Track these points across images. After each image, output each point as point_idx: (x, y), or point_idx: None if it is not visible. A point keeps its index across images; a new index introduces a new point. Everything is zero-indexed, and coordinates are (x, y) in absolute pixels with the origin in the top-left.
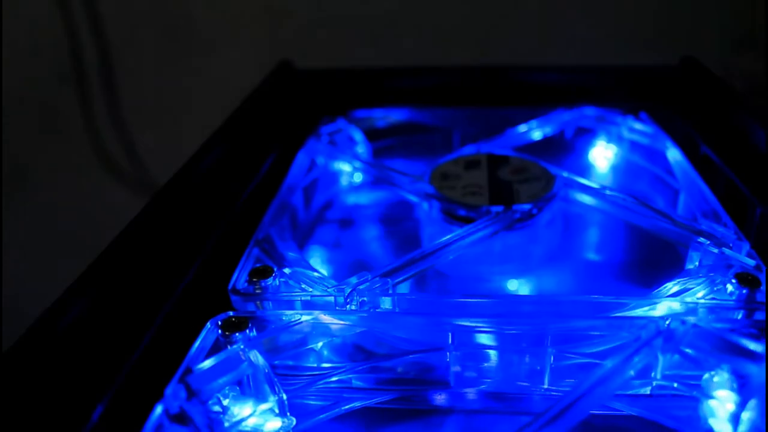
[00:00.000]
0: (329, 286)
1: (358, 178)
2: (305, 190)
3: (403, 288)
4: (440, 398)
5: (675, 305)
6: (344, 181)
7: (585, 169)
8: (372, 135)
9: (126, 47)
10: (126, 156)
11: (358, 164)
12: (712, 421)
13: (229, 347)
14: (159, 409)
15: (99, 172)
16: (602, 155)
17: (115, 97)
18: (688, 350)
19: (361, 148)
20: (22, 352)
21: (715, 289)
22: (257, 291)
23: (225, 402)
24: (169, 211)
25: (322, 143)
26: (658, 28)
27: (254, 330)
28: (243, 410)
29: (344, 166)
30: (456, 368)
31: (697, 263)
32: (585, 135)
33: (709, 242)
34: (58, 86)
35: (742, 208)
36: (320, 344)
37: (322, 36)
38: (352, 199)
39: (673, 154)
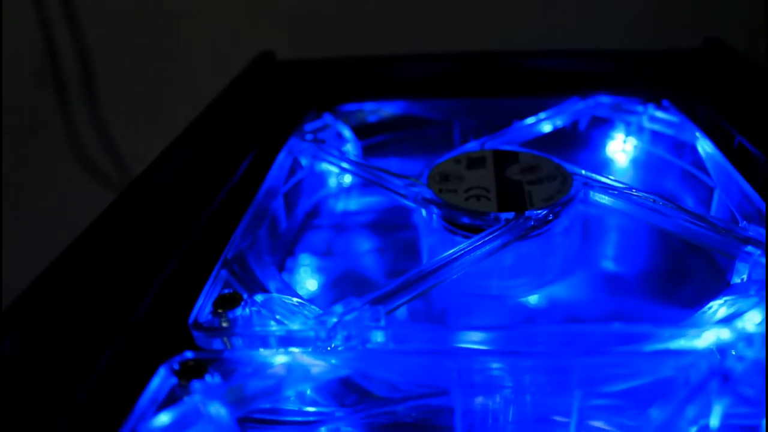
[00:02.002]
0: (310, 316)
1: (347, 180)
2: (287, 195)
3: (402, 312)
4: None
5: (723, 333)
6: (332, 184)
7: (602, 165)
8: (362, 131)
9: (104, 44)
10: (107, 157)
11: (346, 165)
12: None
13: (185, 399)
14: None
15: (80, 174)
16: (621, 149)
17: (95, 97)
18: (748, 390)
19: (351, 147)
20: None
21: None
22: (224, 324)
23: None
24: (124, 224)
25: (306, 141)
26: (676, 11)
27: (217, 375)
28: None
29: (331, 168)
30: (465, 411)
31: (744, 277)
32: (601, 126)
33: (759, 251)
34: (35, 87)
35: None
36: (298, 389)
37: (309, 26)
38: (340, 205)
39: (704, 146)
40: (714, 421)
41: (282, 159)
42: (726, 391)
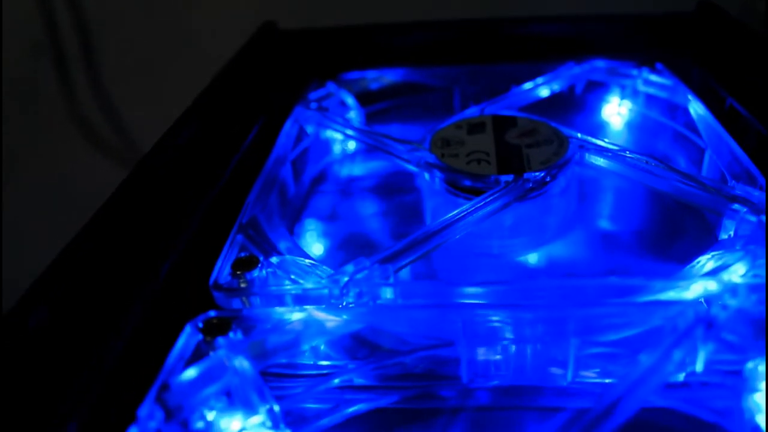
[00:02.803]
0: (323, 275)
1: (351, 146)
2: (294, 162)
3: (406, 272)
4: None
5: (711, 285)
6: (336, 150)
7: (598, 128)
8: (365, 98)
9: (103, 13)
10: (108, 125)
11: (350, 132)
12: (759, 418)
13: (211, 354)
14: None
15: (81, 142)
16: (616, 111)
17: (94, 65)
18: (729, 337)
19: (354, 114)
20: None
21: (757, 263)
22: (242, 285)
23: (210, 417)
24: (142, 194)
25: (311, 110)
26: None
27: (239, 332)
28: (231, 425)
29: (336, 135)
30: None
31: (732, 233)
32: (596, 90)
33: (745, 209)
34: (35, 58)
35: None
36: (314, 343)
37: None
38: (345, 170)
39: (696, 108)
40: (699, 365)
41: (288, 127)
42: (710, 338)
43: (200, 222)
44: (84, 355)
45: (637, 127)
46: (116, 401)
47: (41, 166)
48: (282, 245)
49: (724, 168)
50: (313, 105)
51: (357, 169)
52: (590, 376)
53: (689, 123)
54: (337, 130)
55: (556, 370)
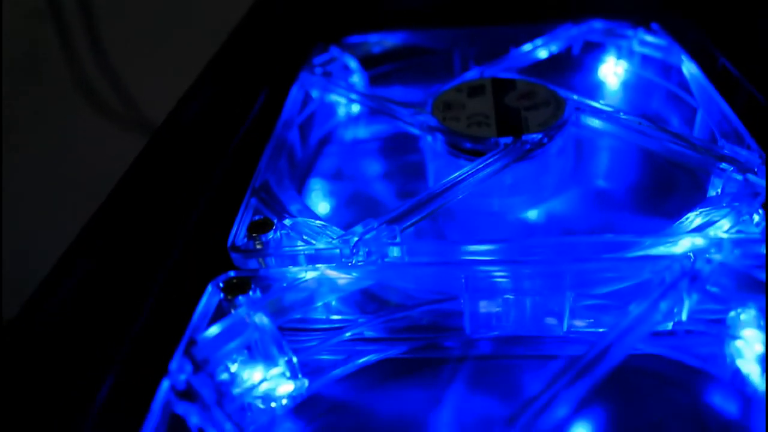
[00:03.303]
0: (333, 236)
1: (355, 109)
2: (301, 126)
3: (412, 232)
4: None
5: (698, 240)
6: (341, 114)
7: (595, 88)
8: (367, 62)
9: None
10: (109, 88)
11: (354, 96)
12: (739, 362)
13: (232, 311)
14: (165, 386)
15: (82, 105)
16: (612, 72)
17: (95, 29)
18: (714, 289)
19: (357, 78)
20: (23, 325)
21: (741, 220)
22: (258, 247)
23: (233, 369)
24: (160, 163)
25: (316, 75)
26: None
27: (258, 291)
28: (253, 376)
29: (340, 99)
30: (472, 313)
31: (719, 191)
32: (594, 51)
33: (732, 168)
34: (35, 26)
35: (765, 126)
36: (327, 300)
37: None
38: (350, 133)
39: (689, 68)
40: (684, 315)
41: (295, 93)
42: (695, 290)
43: (216, 187)
44: (117, 316)
45: (633, 86)
46: (149, 357)
47: (43, 131)
48: (293, 207)
49: (714, 127)
50: (318, 70)
51: (361, 131)
52: (584, 326)
53: (683, 83)
54: (341, 95)
55: (552, 321)
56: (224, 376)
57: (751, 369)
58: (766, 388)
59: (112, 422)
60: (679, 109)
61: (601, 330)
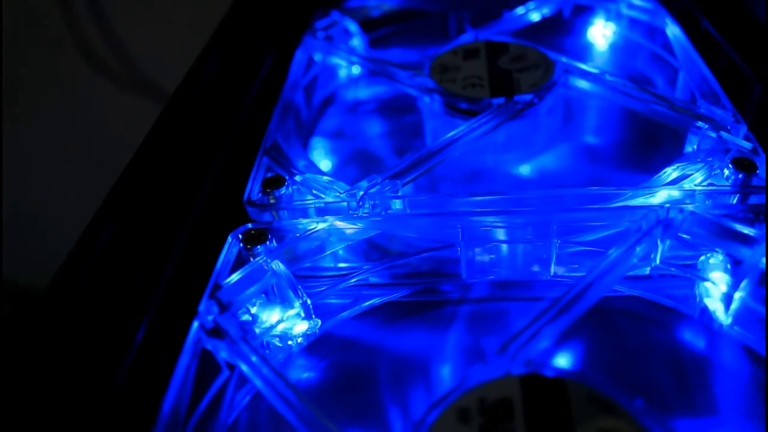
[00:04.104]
0: (340, 190)
1: (356, 71)
2: (306, 88)
3: (412, 186)
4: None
5: (674, 192)
6: (342, 75)
7: (584, 50)
8: (367, 25)
9: None
10: (107, 47)
11: (355, 58)
12: (707, 301)
13: (252, 260)
14: (195, 326)
15: (80, 64)
16: (601, 34)
17: None
18: (685, 236)
19: (357, 41)
20: (64, 279)
21: (713, 173)
22: (271, 201)
23: (253, 311)
24: (178, 127)
25: (318, 39)
26: None
27: (274, 241)
28: (271, 317)
29: (341, 61)
30: (468, 260)
31: (695, 147)
32: (583, 13)
33: (707, 126)
34: None
35: (742, 87)
36: (336, 248)
37: None
38: (351, 94)
39: (673, 31)
40: (658, 259)
41: (299, 56)
42: (667, 236)
43: (229, 149)
44: (149, 267)
45: (620, 48)
46: (179, 303)
47: (43, 91)
48: (301, 164)
49: (694, 88)
50: (320, 34)
51: (362, 92)
52: (569, 271)
53: (667, 45)
54: (342, 58)
55: (540, 266)
56: (246, 317)
57: (716, 306)
58: (766, 387)
59: (150, 359)
60: (663, 70)
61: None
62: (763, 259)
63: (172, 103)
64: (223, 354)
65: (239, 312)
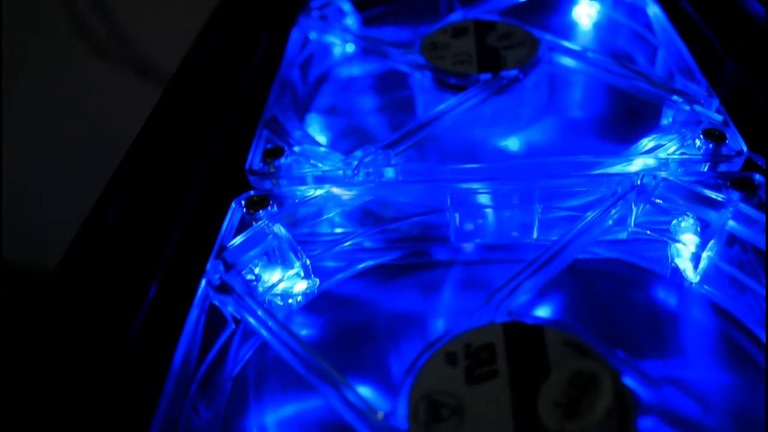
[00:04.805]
0: (336, 160)
1: (349, 49)
2: (301, 66)
3: (404, 156)
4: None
5: (649, 161)
6: (337, 53)
7: (569, 29)
8: (360, 5)
9: None
10: (103, 28)
11: (349, 37)
12: (677, 261)
13: (254, 224)
14: (203, 283)
15: (74, 42)
16: (585, 13)
17: None
18: (658, 201)
19: (351, 20)
20: (81, 244)
21: (686, 144)
22: (271, 170)
23: (256, 271)
24: (181, 103)
25: (313, 18)
26: None
27: (275, 206)
28: (272, 277)
29: (336, 40)
30: (456, 225)
31: (670, 120)
32: None
33: (682, 100)
34: None
35: (716, 64)
36: (333, 213)
37: None
38: (345, 71)
39: (653, 10)
40: (631, 223)
41: (295, 35)
42: (641, 201)
43: (231, 122)
44: (158, 231)
45: (603, 27)
46: (187, 263)
47: (38, 68)
48: (298, 136)
49: (672, 64)
50: (315, 13)
51: (355, 70)
52: (551, 234)
53: (648, 24)
54: (336, 36)
55: (524, 230)
56: (249, 277)
57: (686, 266)
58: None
59: (161, 316)
60: (644, 48)
61: None
62: (729, 222)
63: (174, 81)
64: (229, 308)
65: (243, 272)
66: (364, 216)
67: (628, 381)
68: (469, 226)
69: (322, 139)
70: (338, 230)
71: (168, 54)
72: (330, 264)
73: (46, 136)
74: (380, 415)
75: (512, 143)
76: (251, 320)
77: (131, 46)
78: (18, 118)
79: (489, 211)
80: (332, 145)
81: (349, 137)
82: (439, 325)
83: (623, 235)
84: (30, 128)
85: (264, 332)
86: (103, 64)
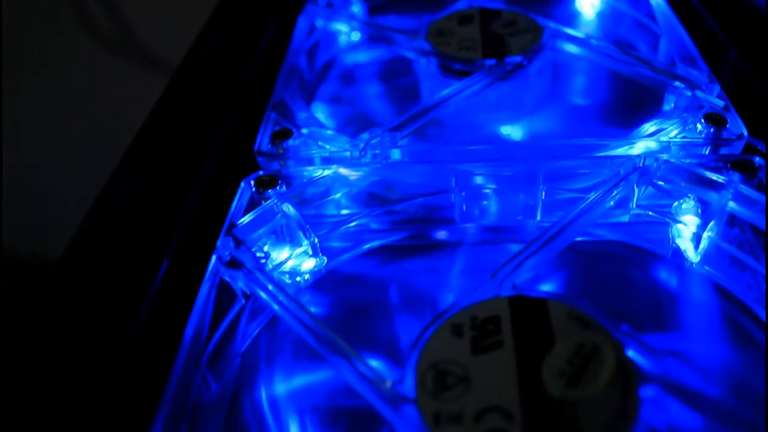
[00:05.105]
0: (344, 142)
1: (355, 37)
2: (308, 52)
3: (410, 139)
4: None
5: (651, 144)
6: (343, 40)
7: (573, 17)
8: None
9: None
10: (104, 13)
11: (355, 24)
12: (678, 241)
13: (263, 203)
14: (213, 259)
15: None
16: (589, 2)
17: None
18: (660, 182)
19: (357, 7)
20: (93, 221)
21: (687, 128)
22: (280, 151)
23: (265, 248)
24: (191, 87)
25: (319, 6)
26: None
27: (283, 186)
28: (281, 255)
29: (342, 27)
30: (461, 206)
31: (672, 105)
32: None
33: (683, 85)
34: None
35: (718, 52)
36: (339, 194)
37: None
38: (351, 58)
39: (656, 0)
40: (634, 204)
41: (301, 23)
42: (643, 182)
43: (240, 105)
44: (170, 209)
45: (607, 16)
46: (198, 240)
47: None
48: (306, 120)
49: (673, 52)
50: (322, 1)
51: (361, 56)
52: (555, 216)
53: (650, 13)
54: (343, 23)
55: (528, 212)
56: (259, 254)
57: (687, 246)
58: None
59: (172, 292)
60: (646, 37)
61: None
62: (730, 203)
63: (183, 67)
64: (240, 284)
65: (253, 249)
66: (370, 199)
67: (631, 353)
68: (474, 208)
69: (329, 122)
70: (344, 212)
71: (173, 45)
72: (336, 244)
73: (49, 126)
74: (389, 383)
75: (516, 128)
76: (262, 294)
77: (136, 38)
78: (18, 107)
79: (493, 192)
80: (339, 129)
81: (355, 121)
82: (445, 302)
83: (626, 218)
84: (34, 119)
85: (275, 306)
86: (107, 55)
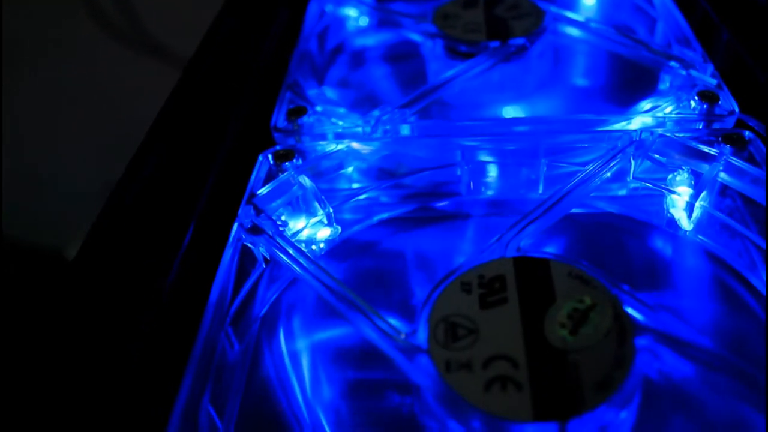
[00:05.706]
0: (356, 119)
1: (364, 21)
2: (319, 36)
3: (418, 116)
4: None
5: (647, 119)
6: (352, 24)
7: (573, 2)
8: None
9: None
10: (118, 9)
11: (364, 8)
12: (672, 211)
13: (281, 175)
14: (235, 227)
15: (88, 24)
16: None
17: None
18: (656, 155)
19: None
20: (121, 193)
21: (681, 105)
22: (295, 128)
23: (282, 218)
24: (209, 68)
25: None
26: None
27: (299, 159)
28: (297, 224)
29: (351, 11)
30: (467, 179)
31: (668, 84)
32: None
33: (679, 65)
34: None
35: (712, 34)
36: (351, 168)
37: None
38: (360, 41)
39: None
40: (630, 176)
41: (312, 9)
42: (639, 155)
43: (256, 84)
44: (192, 181)
45: (606, 1)
46: (219, 210)
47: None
48: (319, 99)
49: (669, 34)
50: None
51: (370, 40)
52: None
53: None
54: (352, 8)
55: (530, 185)
56: (278, 223)
57: (681, 215)
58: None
59: (199, 255)
60: (644, 20)
61: None
62: (721, 174)
63: (200, 50)
64: (261, 249)
65: (272, 217)
66: (381, 175)
67: (627, 309)
68: (479, 181)
69: (345, 101)
70: (355, 185)
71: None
72: (348, 216)
73: (58, 115)
74: (403, 335)
75: (518, 108)
76: (283, 257)
77: (144, 27)
78: (24, 97)
79: (497, 166)
80: (349, 109)
81: (365, 102)
82: (452, 266)
83: (623, 192)
84: (43, 108)
85: (296, 268)
86: (116, 44)
